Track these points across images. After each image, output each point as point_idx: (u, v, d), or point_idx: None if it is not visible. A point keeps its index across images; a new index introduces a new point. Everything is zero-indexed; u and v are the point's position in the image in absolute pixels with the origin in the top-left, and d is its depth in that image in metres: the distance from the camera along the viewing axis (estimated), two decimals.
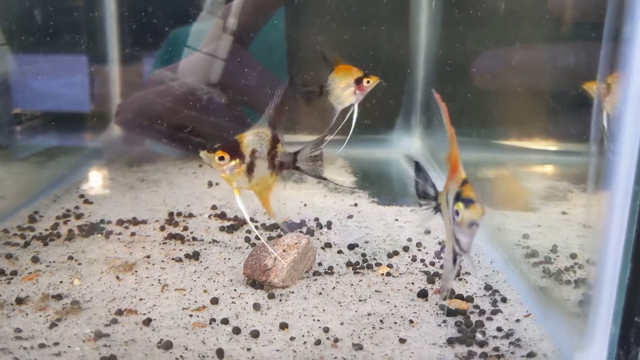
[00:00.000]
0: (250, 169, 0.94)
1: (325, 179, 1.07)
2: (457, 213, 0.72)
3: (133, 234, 1.22)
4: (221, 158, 0.91)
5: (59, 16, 1.72)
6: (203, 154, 0.92)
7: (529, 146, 1.48)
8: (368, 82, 1.19)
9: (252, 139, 0.94)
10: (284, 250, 1.02)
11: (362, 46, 1.90)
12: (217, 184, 1.57)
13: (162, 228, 1.25)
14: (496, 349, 0.84)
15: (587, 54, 1.00)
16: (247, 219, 0.97)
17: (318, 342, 0.85)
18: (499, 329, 0.90)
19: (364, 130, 1.97)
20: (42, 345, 0.81)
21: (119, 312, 0.91)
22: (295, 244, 1.03)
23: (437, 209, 0.85)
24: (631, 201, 0.69)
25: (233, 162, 0.92)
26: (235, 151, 0.92)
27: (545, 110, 1.35)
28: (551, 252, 1.13)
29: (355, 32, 1.90)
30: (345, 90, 1.19)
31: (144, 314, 0.91)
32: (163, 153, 1.79)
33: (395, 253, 1.17)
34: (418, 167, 0.88)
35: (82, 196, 1.42)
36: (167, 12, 1.79)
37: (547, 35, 1.27)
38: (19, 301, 0.93)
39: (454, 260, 0.79)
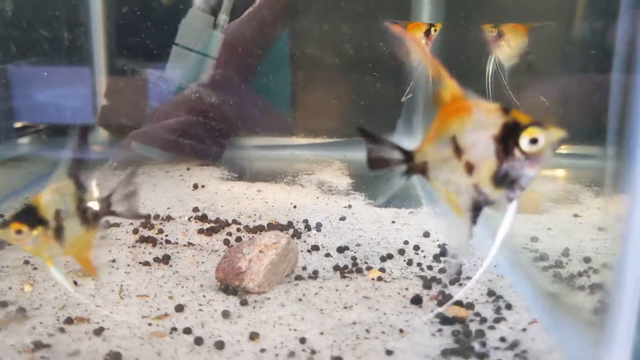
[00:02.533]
0: (58, 233, 0.78)
1: (144, 217, 1.00)
2: (534, 141, 0.61)
3: (102, 237, 1.11)
4: (18, 232, 0.75)
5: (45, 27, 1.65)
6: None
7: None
8: (435, 30, 1.20)
9: (52, 198, 0.79)
10: (260, 251, 0.91)
11: (364, 47, 1.82)
12: (202, 186, 1.46)
13: (135, 231, 1.14)
14: None
15: None
16: (69, 288, 0.86)
17: (292, 355, 0.74)
18: (503, 339, 0.78)
19: (355, 132, 1.87)
20: None
21: (69, 321, 0.80)
22: (274, 243, 0.92)
23: (409, 172, 0.71)
24: None
25: (35, 232, 0.76)
26: (32, 219, 0.76)
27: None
28: (562, 255, 1.02)
29: (357, 33, 1.82)
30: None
31: (97, 322, 0.80)
32: (151, 157, 1.69)
33: (390, 256, 1.05)
34: (365, 132, 0.73)
35: None
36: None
37: None
38: None
39: (476, 214, 0.67)
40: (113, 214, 0.83)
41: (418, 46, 0.66)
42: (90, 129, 1.76)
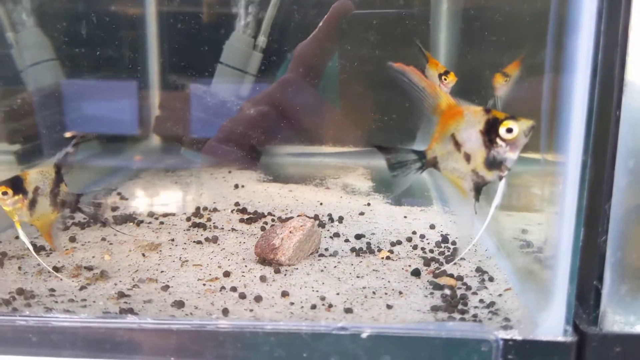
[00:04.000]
0: (32, 205, 1.00)
1: (103, 222, 1.14)
2: (509, 130, 0.82)
3: (161, 223, 1.35)
4: (4, 193, 0.97)
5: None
6: None
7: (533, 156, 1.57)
8: (445, 79, 1.30)
9: (36, 177, 1.01)
10: (290, 232, 1.13)
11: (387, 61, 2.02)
12: (242, 186, 1.69)
13: (188, 219, 1.38)
14: (475, 315, 0.92)
15: None
16: (29, 247, 1.03)
17: (314, 307, 0.95)
18: (482, 301, 0.97)
19: (386, 141, 2.09)
20: (71, 300, 0.94)
21: (141, 281, 1.03)
22: (301, 226, 1.14)
23: (423, 167, 0.94)
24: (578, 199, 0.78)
25: (16, 197, 0.98)
26: (18, 187, 0.98)
27: None
28: (544, 243, 1.21)
29: (381, 49, 2.03)
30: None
31: (163, 282, 1.03)
32: (196, 161, 1.93)
33: (399, 242, 1.26)
34: (381, 148, 0.97)
35: (119, 194, 1.57)
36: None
37: None
38: (56, 269, 1.06)
39: (477, 192, 0.88)
40: (79, 209, 1.06)
41: (418, 75, 0.87)
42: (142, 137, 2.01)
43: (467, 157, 0.90)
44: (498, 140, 0.87)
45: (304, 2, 1.94)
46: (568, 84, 0.74)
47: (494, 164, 0.88)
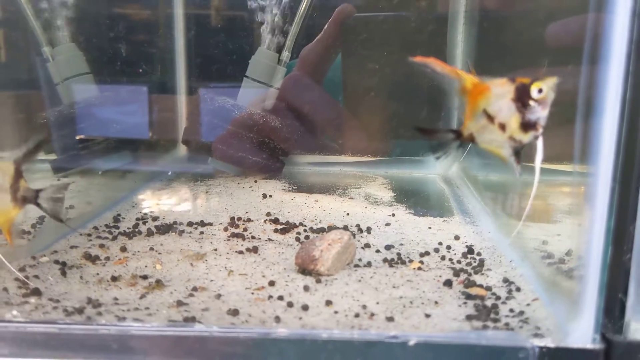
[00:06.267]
0: None
1: (62, 221, 1.12)
2: (540, 90, 0.91)
3: (202, 232, 1.43)
4: None
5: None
6: None
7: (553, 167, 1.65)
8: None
9: None
10: (329, 244, 1.21)
11: (404, 75, 2.11)
12: (270, 196, 1.77)
13: (226, 229, 1.46)
14: (507, 324, 1.00)
15: None
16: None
17: (357, 315, 1.03)
18: (512, 310, 1.06)
19: (404, 152, 2.18)
20: (136, 309, 1.01)
21: (194, 289, 1.11)
22: (339, 238, 1.22)
23: (460, 144, 1.03)
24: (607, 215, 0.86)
25: None
26: None
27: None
28: (565, 255, 1.29)
29: (399, 61, 2.11)
30: None
31: (215, 291, 1.11)
32: (223, 170, 2.01)
33: (427, 253, 1.34)
34: (422, 129, 1.06)
35: (156, 203, 1.65)
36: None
37: None
38: (114, 279, 1.14)
39: (517, 156, 0.97)
40: (38, 205, 1.07)
41: (439, 63, 0.97)
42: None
43: (502, 127, 1.00)
44: (531, 102, 0.96)
45: (323, 21, 2.03)
46: (598, 124, 0.83)
47: (529, 125, 0.98)
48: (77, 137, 1.96)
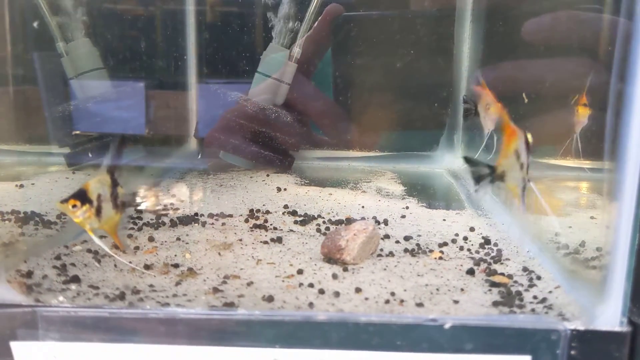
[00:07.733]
0: (98, 211, 1.10)
1: (161, 215, 1.23)
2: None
3: (224, 224, 1.46)
4: (74, 206, 1.06)
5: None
6: (58, 205, 1.06)
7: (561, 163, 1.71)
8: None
9: (96, 185, 1.11)
10: (354, 234, 1.24)
11: (411, 71, 2.15)
12: (284, 189, 1.80)
13: (247, 220, 1.49)
14: (533, 309, 1.04)
15: None
16: (107, 250, 1.15)
17: (387, 302, 1.06)
18: (535, 297, 1.09)
19: (411, 147, 2.22)
20: (174, 295, 1.04)
21: (226, 277, 1.14)
22: (364, 229, 1.25)
23: (493, 180, 1.10)
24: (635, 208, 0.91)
25: (84, 208, 1.08)
26: (84, 198, 1.08)
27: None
28: (580, 246, 1.33)
29: (405, 59, 2.15)
30: (486, 114, 1.44)
31: (246, 279, 1.14)
32: (235, 164, 2.04)
33: (445, 244, 1.38)
34: (467, 160, 1.11)
35: (173, 195, 1.67)
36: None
37: None
38: (147, 267, 1.17)
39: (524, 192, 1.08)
40: (136, 207, 1.16)
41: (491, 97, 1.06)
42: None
43: (521, 166, 1.07)
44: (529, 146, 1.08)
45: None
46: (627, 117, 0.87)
47: (527, 165, 1.09)
48: (90, 132, 1.98)
